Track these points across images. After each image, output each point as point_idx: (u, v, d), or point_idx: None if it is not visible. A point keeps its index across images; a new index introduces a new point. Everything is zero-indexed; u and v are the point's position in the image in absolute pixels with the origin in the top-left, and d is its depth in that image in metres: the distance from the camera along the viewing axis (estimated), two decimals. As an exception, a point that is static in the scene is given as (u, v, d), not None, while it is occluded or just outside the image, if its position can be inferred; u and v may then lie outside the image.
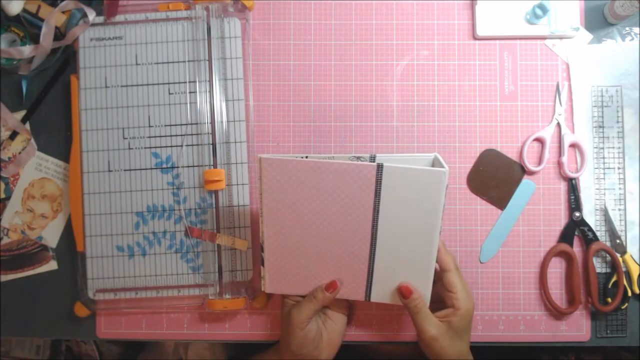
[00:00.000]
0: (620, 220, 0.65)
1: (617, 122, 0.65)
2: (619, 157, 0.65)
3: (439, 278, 0.56)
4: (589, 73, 0.66)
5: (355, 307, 0.65)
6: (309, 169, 0.51)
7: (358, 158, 0.56)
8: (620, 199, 0.65)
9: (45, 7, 0.64)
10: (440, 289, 0.57)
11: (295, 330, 0.55)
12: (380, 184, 0.51)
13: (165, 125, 0.64)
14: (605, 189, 0.65)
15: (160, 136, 0.64)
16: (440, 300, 0.57)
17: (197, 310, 0.65)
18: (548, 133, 0.65)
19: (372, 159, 0.57)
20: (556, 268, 0.65)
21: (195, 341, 0.74)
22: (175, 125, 0.64)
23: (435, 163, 0.56)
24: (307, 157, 0.53)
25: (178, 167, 0.63)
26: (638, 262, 0.64)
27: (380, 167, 0.50)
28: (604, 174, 0.65)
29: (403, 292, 0.54)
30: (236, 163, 0.63)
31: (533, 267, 0.65)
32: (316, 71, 0.66)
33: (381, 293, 0.57)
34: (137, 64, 0.64)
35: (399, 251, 0.54)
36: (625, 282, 0.63)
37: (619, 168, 0.65)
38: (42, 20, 0.64)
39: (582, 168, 0.64)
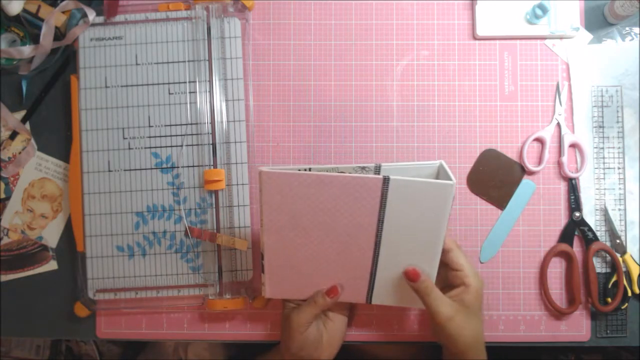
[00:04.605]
0: (620, 220, 0.65)
1: (617, 122, 0.65)
2: (619, 157, 0.65)
3: (444, 261, 0.55)
4: (589, 73, 0.66)
5: (356, 307, 0.65)
6: (311, 182, 0.49)
7: (363, 168, 0.55)
8: (620, 199, 0.65)
9: (45, 7, 0.64)
10: (446, 272, 0.56)
11: (295, 334, 0.55)
12: (386, 196, 0.50)
13: (165, 125, 0.64)
14: (605, 189, 0.65)
15: (160, 136, 0.64)
16: (447, 284, 0.56)
17: (197, 310, 0.65)
18: (548, 133, 0.65)
19: (377, 168, 0.55)
20: (556, 268, 0.65)
21: (195, 341, 0.74)
22: (175, 125, 0.64)
23: (440, 171, 0.55)
24: (309, 169, 0.51)
25: (178, 167, 0.63)
26: (638, 262, 0.64)
27: (386, 180, 0.49)
28: (604, 174, 0.65)
29: (410, 276, 0.53)
30: (236, 163, 0.63)
31: (533, 267, 0.65)
32: (316, 71, 0.66)
33: (383, 295, 0.57)
34: (137, 64, 0.64)
35: (403, 257, 0.54)
36: (625, 282, 0.63)
37: (619, 168, 0.65)
38: (42, 20, 0.64)
39: (582, 168, 0.64)
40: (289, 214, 0.52)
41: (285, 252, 0.54)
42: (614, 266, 0.64)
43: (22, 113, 0.66)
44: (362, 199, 0.50)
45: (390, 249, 0.53)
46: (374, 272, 0.55)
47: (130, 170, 0.64)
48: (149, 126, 0.64)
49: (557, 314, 0.64)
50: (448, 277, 0.56)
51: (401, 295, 0.56)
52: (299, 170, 0.50)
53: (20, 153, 0.66)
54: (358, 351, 0.80)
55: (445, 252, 0.55)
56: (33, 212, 0.66)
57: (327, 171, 0.50)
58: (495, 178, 0.65)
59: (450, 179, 0.50)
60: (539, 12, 0.63)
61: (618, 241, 0.64)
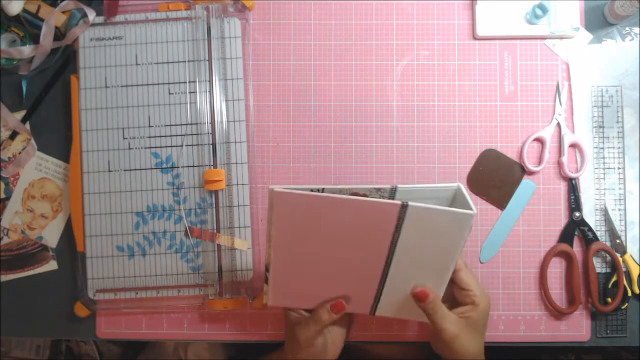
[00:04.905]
0: (620, 220, 0.65)
1: (617, 122, 0.65)
2: (619, 157, 0.65)
3: (452, 279, 0.55)
4: (589, 73, 0.66)
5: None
6: (325, 205, 0.48)
7: (378, 190, 0.53)
8: (620, 199, 0.65)
9: (45, 7, 0.64)
10: (453, 290, 0.56)
11: (303, 348, 0.55)
12: (403, 221, 0.48)
13: (165, 125, 0.64)
14: (605, 189, 0.65)
15: (160, 136, 0.64)
16: (452, 300, 0.57)
17: (197, 310, 0.65)
18: (548, 133, 0.65)
19: (393, 190, 0.53)
20: (556, 268, 0.65)
21: (195, 341, 0.74)
22: (175, 125, 0.64)
23: (457, 195, 0.53)
24: (323, 189, 0.49)
25: (178, 167, 0.63)
26: (638, 262, 0.64)
27: (404, 206, 0.47)
28: (604, 174, 0.65)
29: (419, 297, 0.53)
30: (236, 163, 0.63)
31: (533, 267, 0.65)
32: (316, 71, 0.66)
33: (387, 309, 0.56)
34: (137, 64, 0.64)
35: (412, 276, 0.53)
36: (625, 282, 0.63)
37: (619, 168, 0.65)
38: (42, 20, 0.64)
39: (582, 168, 0.64)
40: (299, 232, 0.50)
41: (291, 266, 0.53)
42: (614, 266, 0.64)
43: (22, 113, 0.66)
44: (377, 223, 0.49)
45: (400, 269, 0.52)
46: (381, 287, 0.54)
47: (130, 170, 0.64)
48: (149, 126, 0.64)
49: (557, 314, 0.64)
50: (455, 295, 0.56)
51: (406, 309, 0.56)
52: (312, 190, 0.48)
53: (20, 153, 0.66)
54: (360, 351, 0.80)
55: (454, 272, 0.55)
56: (33, 212, 0.66)
57: (340, 192, 0.48)
58: (495, 178, 0.65)
59: (470, 207, 0.48)
60: (539, 12, 0.63)
61: (618, 241, 0.64)
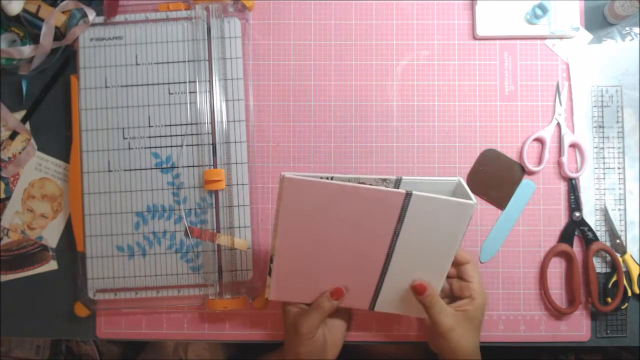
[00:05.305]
0: (620, 220, 0.65)
1: (617, 122, 0.65)
2: (619, 157, 0.65)
3: (456, 273, 0.57)
4: (589, 73, 0.66)
5: (355, 309, 0.65)
6: (334, 192, 0.49)
7: (384, 180, 0.54)
8: (620, 199, 0.65)
9: (45, 7, 0.64)
10: (452, 284, 0.57)
11: (304, 340, 0.55)
12: (406, 210, 0.50)
13: (165, 125, 0.64)
14: (605, 189, 0.65)
15: (160, 136, 0.64)
16: (451, 297, 0.58)
17: (197, 310, 0.65)
18: (548, 133, 0.65)
19: (398, 181, 0.55)
20: (556, 268, 0.65)
21: (195, 341, 0.74)
22: (175, 125, 0.64)
23: (457, 188, 0.55)
24: (332, 177, 0.51)
25: (178, 167, 0.63)
26: (638, 262, 0.64)
27: (409, 195, 0.49)
28: (604, 174, 0.65)
29: (417, 290, 0.54)
30: (236, 163, 0.63)
31: (533, 267, 0.65)
32: (316, 71, 0.66)
33: (386, 304, 0.57)
34: (137, 64, 0.64)
35: (412, 269, 0.54)
36: (625, 282, 0.63)
37: (619, 168, 0.65)
38: (42, 20, 0.64)
39: (582, 168, 0.64)
40: (305, 221, 0.51)
41: (295, 257, 0.53)
42: (614, 266, 0.64)
43: (22, 113, 0.66)
44: (382, 212, 0.50)
45: (401, 260, 0.53)
46: (381, 281, 0.55)
47: (130, 170, 0.64)
48: (149, 126, 0.64)
49: (557, 314, 0.64)
50: (454, 288, 0.58)
51: (405, 304, 0.56)
52: (322, 178, 0.49)
53: (20, 153, 0.66)
54: (360, 351, 0.80)
55: (462, 264, 0.56)
56: (33, 212, 0.66)
57: (348, 181, 0.49)
58: (495, 178, 0.65)
59: (470, 199, 0.50)
60: (539, 12, 0.63)
61: (618, 241, 0.64)
